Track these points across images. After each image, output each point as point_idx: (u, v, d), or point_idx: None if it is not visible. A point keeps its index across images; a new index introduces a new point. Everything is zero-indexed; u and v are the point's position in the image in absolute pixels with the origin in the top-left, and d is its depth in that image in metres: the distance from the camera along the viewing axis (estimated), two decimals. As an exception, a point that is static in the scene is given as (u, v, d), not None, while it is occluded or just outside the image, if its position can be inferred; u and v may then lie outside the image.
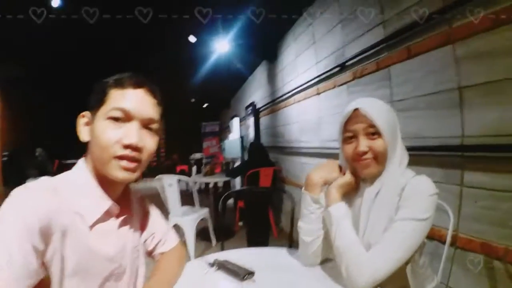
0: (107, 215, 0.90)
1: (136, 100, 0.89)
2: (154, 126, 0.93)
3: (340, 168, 1.17)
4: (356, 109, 1.06)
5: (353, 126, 1.07)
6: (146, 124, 0.91)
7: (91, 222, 0.85)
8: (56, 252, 0.76)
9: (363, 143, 1.05)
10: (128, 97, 0.88)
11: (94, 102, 0.89)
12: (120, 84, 0.89)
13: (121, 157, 0.85)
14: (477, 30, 1.54)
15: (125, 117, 0.87)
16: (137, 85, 0.91)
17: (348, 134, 1.10)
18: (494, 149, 1.49)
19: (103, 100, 0.88)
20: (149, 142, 0.91)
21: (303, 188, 1.18)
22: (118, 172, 0.85)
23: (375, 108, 1.05)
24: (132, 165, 0.87)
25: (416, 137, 1.93)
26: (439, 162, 1.78)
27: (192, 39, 5.15)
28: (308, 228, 1.16)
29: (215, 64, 6.31)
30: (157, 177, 3.95)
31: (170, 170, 7.31)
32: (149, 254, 1.18)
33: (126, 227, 0.99)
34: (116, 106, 0.86)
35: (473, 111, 1.60)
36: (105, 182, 0.90)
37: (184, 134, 14.34)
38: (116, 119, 0.86)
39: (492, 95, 1.50)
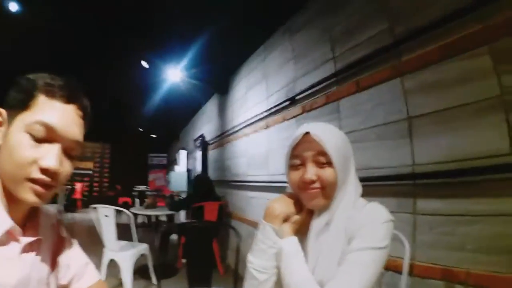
0: (7, 237, 0.73)
1: (65, 118, 0.75)
2: (77, 150, 0.79)
3: (298, 203, 1.03)
4: (306, 133, 0.96)
5: (301, 151, 0.96)
6: (68, 147, 0.77)
7: None
8: None
9: (311, 171, 0.93)
10: (57, 112, 0.74)
11: (15, 103, 0.74)
12: (50, 92, 0.75)
13: (35, 181, 0.70)
14: (426, 63, 1.62)
15: (48, 136, 0.73)
16: (70, 99, 0.77)
17: (295, 160, 0.99)
18: (445, 175, 1.52)
19: (27, 105, 0.73)
20: (67, 167, 0.77)
21: (261, 220, 1.02)
22: (29, 195, 0.71)
23: (328, 134, 0.95)
24: (45, 191, 0.72)
25: (366, 167, 1.94)
26: (391, 191, 1.78)
27: (144, 65, 4.98)
28: (262, 265, 0.98)
29: (166, 94, 6.11)
30: (92, 206, 3.59)
31: (112, 202, 6.81)
32: None
33: (31, 255, 0.80)
34: (42, 120, 0.72)
35: (422, 139, 1.65)
36: (8, 197, 0.74)
37: (129, 165, 13.63)
38: (37, 134, 0.72)
39: (441, 123, 1.55)
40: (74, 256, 0.99)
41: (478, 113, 1.40)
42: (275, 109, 3.29)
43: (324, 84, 2.45)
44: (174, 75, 5.01)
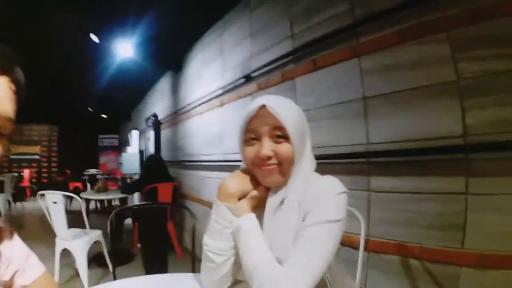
0: None
1: None
2: (8, 128, 0.68)
3: (254, 178, 0.97)
4: (262, 106, 0.89)
5: (257, 126, 0.90)
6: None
7: None
8: None
9: (267, 146, 0.88)
10: None
11: None
12: None
13: None
14: (384, 45, 1.64)
15: None
16: (2, 70, 0.64)
17: (250, 135, 0.92)
18: (398, 154, 1.57)
19: None
20: None
21: (215, 199, 0.95)
22: None
23: (285, 107, 0.90)
24: None
25: (321, 146, 1.94)
26: (345, 169, 1.81)
27: (94, 38, 4.59)
28: (219, 247, 0.93)
29: (117, 72, 5.72)
30: (39, 193, 3.29)
31: (63, 188, 6.35)
32: (8, 287, 0.85)
33: None
34: None
35: (377, 119, 1.68)
36: None
37: (79, 147, 12.75)
38: None
39: (396, 104, 1.59)
40: (14, 249, 0.87)
41: (433, 96, 1.44)
42: (230, 86, 3.21)
43: (281, 62, 2.41)
44: (126, 50, 4.68)
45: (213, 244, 0.93)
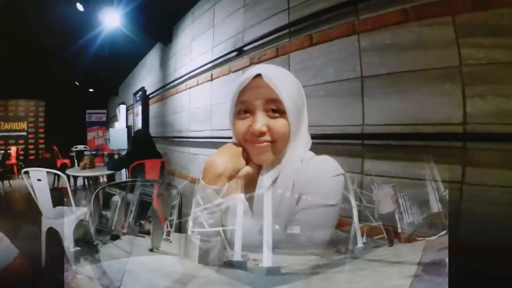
0: None
1: None
2: None
3: (245, 153, 0.87)
4: (258, 76, 0.80)
5: (251, 97, 0.81)
6: None
7: None
8: None
9: (261, 121, 0.79)
10: None
11: None
12: None
13: None
14: (385, 24, 1.57)
15: None
16: None
17: (242, 107, 0.83)
18: (394, 138, 1.53)
19: None
20: None
21: (200, 180, 0.85)
22: None
23: (282, 78, 0.81)
24: None
25: (315, 125, 1.87)
26: (339, 150, 1.76)
27: (80, 7, 4.37)
28: (205, 233, 0.83)
29: (104, 43, 5.48)
30: (23, 170, 3.16)
31: (50, 165, 6.14)
32: None
33: None
34: None
35: (374, 100, 1.62)
36: None
37: (67, 123, 12.32)
38: None
39: (394, 86, 1.53)
40: None
41: (433, 80, 1.40)
42: (221, 60, 3.11)
43: (275, 35, 2.31)
44: (112, 20, 4.46)
45: (199, 230, 0.86)
